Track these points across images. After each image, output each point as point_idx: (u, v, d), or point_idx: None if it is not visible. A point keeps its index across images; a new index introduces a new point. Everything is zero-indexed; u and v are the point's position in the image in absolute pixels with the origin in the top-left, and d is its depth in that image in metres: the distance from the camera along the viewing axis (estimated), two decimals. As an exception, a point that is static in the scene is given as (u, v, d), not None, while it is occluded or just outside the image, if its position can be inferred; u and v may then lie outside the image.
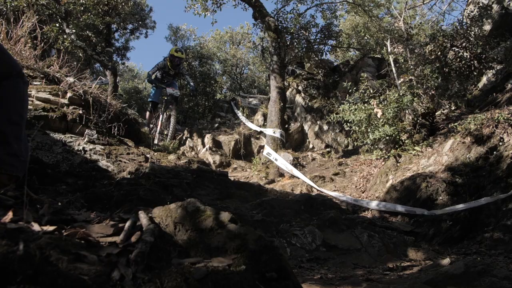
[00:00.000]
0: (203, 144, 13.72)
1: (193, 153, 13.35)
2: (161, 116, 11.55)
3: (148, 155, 6.13)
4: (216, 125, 17.07)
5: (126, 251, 1.28)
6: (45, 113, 5.81)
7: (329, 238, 4.56)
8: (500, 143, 5.89)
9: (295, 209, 5.09)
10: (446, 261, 3.42)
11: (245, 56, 29.00)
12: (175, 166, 5.77)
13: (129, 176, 5.25)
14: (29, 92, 6.11)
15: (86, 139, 5.82)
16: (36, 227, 1.38)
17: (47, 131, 5.73)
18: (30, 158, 4.91)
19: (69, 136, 5.85)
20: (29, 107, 5.83)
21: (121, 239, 1.39)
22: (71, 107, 6.20)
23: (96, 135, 5.97)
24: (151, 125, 11.97)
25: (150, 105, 12.01)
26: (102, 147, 5.86)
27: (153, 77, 11.71)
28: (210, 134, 13.87)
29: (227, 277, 1.20)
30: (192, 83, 12.33)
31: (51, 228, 1.37)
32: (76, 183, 5.14)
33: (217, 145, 13.27)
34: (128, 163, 5.70)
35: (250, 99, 20.91)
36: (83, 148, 5.71)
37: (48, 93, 6.22)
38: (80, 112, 6.11)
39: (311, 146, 13.49)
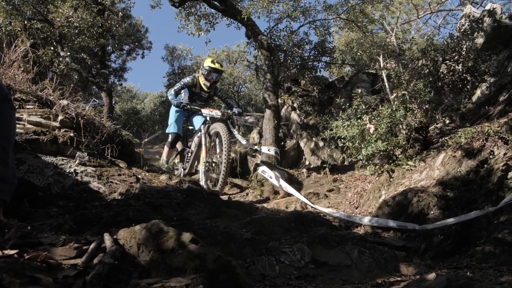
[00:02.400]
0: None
1: (189, 172, 13.38)
2: (189, 153, 8.79)
3: (139, 176, 6.16)
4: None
5: (85, 273, 1.30)
6: (36, 137, 5.86)
7: (319, 255, 4.55)
8: (491, 156, 5.91)
9: (285, 227, 5.10)
10: (431, 275, 3.42)
11: (242, 74, 29.20)
12: (165, 186, 5.80)
13: (119, 197, 5.27)
14: (20, 116, 6.17)
15: (77, 161, 5.85)
16: (-4, 251, 1.40)
17: (39, 154, 5.77)
18: (21, 181, 4.95)
19: (60, 158, 5.88)
20: (20, 130, 5.88)
21: (82, 261, 1.40)
22: (62, 130, 6.26)
23: (88, 157, 6.00)
24: (179, 165, 9.30)
25: (170, 138, 9.01)
26: (94, 168, 5.88)
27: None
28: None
29: (184, 297, 1.22)
30: (236, 108, 9.01)
31: (12, 252, 1.39)
32: (67, 205, 5.16)
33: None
34: (120, 184, 5.73)
35: (247, 117, 21.00)
36: (75, 170, 5.73)
37: (39, 116, 6.28)
38: (72, 134, 6.16)
39: (307, 162, 13.53)
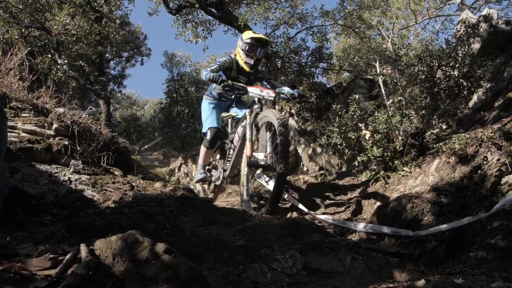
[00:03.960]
0: (198, 170, 13.75)
1: (188, 179, 13.39)
2: (231, 149, 6.92)
3: (134, 184, 6.18)
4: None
5: (57, 284, 1.31)
6: (31, 145, 5.89)
7: (312, 261, 4.54)
8: (484, 162, 5.92)
9: (278, 234, 5.09)
10: (421, 282, 3.42)
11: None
12: (159, 194, 5.81)
13: (113, 205, 5.28)
14: (15, 125, 6.20)
15: (71, 169, 5.88)
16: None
17: (33, 163, 5.79)
18: (15, 190, 4.97)
19: (54, 167, 5.91)
20: (15, 139, 5.91)
21: (56, 272, 1.42)
22: (57, 138, 6.30)
23: (82, 165, 6.02)
24: (211, 173, 7.51)
25: (208, 135, 6.94)
26: (88, 176, 5.91)
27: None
28: (204, 160, 13.87)
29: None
30: (295, 90, 6.81)
31: (-15, 263, 1.40)
32: (61, 213, 5.17)
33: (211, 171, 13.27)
34: (114, 192, 5.74)
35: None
36: (69, 178, 5.76)
37: (34, 124, 6.31)
38: (66, 142, 6.19)
39: (305, 169, 13.51)
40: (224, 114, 7.33)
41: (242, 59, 6.61)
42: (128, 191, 5.79)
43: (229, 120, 7.27)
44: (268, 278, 4.15)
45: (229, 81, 6.25)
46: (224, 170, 7.03)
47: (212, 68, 6.49)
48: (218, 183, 7.35)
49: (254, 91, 6.21)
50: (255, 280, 3.87)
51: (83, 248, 1.57)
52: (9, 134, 6.00)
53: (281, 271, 4.28)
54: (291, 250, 4.53)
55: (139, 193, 5.60)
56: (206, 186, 9.97)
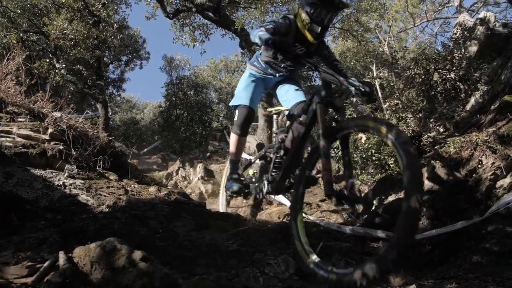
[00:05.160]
0: (196, 174, 13.77)
1: (185, 182, 13.40)
2: (280, 149, 4.88)
3: (128, 188, 6.17)
4: (208, 154, 17.14)
5: (32, 292, 1.31)
6: (25, 150, 5.88)
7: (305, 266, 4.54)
8: (479, 166, 5.91)
9: (272, 238, 5.09)
10: (412, 287, 3.43)
11: (240, 83, 29.25)
12: (153, 198, 5.81)
13: (107, 209, 5.27)
14: (10, 129, 6.20)
15: (66, 174, 5.87)
16: None
17: (28, 168, 5.78)
18: (9, 195, 4.97)
19: (49, 171, 5.90)
20: (10, 144, 5.90)
21: (32, 280, 1.41)
22: (52, 143, 6.28)
23: (76, 169, 6.01)
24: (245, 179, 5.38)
25: (237, 115, 5.00)
26: (82, 181, 5.90)
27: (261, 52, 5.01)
28: (202, 164, 13.91)
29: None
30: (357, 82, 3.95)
31: (-39, 272, 1.40)
32: (55, 218, 5.16)
33: (209, 174, 13.29)
34: (108, 197, 5.73)
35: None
36: (63, 183, 5.75)
37: (29, 129, 6.31)
38: (61, 147, 6.18)
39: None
40: (270, 109, 5.55)
41: (305, 24, 4.49)
42: (122, 196, 5.78)
43: (275, 116, 5.30)
44: (260, 283, 4.15)
45: (297, 50, 4.61)
46: (271, 181, 4.87)
47: (267, 27, 4.47)
48: (259, 196, 5.11)
49: (329, 76, 3.92)
50: (247, 285, 3.87)
51: (61, 256, 1.57)
52: (4, 139, 6.01)
53: (273, 275, 4.28)
54: (284, 255, 4.53)
55: (133, 197, 5.60)
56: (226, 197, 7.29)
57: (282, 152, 4.86)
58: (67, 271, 1.43)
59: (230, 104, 5.18)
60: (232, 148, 5.07)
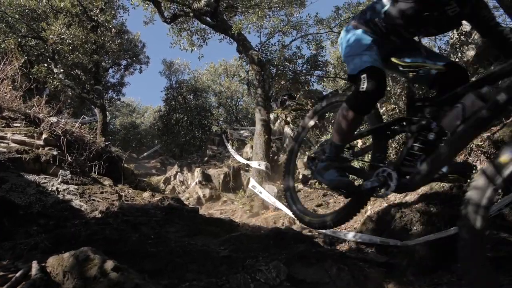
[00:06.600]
0: (194, 178, 13.75)
1: (183, 187, 13.38)
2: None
3: (122, 193, 6.16)
4: (206, 158, 17.14)
5: (1, 303, 1.30)
6: (19, 155, 5.87)
7: (297, 272, 4.53)
8: (474, 171, 5.89)
9: (264, 244, 5.08)
10: (401, 294, 3.42)
11: (239, 88, 29.30)
12: (146, 204, 5.80)
13: (100, 215, 5.27)
14: (4, 135, 6.20)
15: (59, 179, 5.86)
16: None
17: (22, 173, 5.78)
18: (2, 200, 4.97)
19: (43, 177, 5.90)
20: (3, 149, 5.90)
21: (2, 291, 1.41)
22: (46, 148, 6.28)
23: (70, 175, 6.01)
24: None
25: (365, 82, 3.13)
26: (76, 187, 5.89)
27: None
28: (199, 168, 13.90)
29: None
30: None
31: None
32: (48, 223, 5.16)
33: (207, 179, 13.27)
34: (102, 202, 5.73)
35: (242, 131, 21.02)
36: (57, 188, 5.74)
37: (23, 135, 6.31)
38: (55, 153, 6.17)
39: (300, 176, 13.49)
40: (408, 60, 3.39)
41: None
42: (115, 201, 5.78)
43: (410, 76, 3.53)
44: (251, 289, 4.14)
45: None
46: (401, 174, 3.33)
47: None
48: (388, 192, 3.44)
49: None
50: (238, 292, 3.86)
51: (34, 265, 1.57)
52: (-2, 144, 6.02)
53: (264, 282, 4.26)
54: (275, 261, 4.51)
55: (126, 203, 5.60)
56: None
57: (433, 135, 3.16)
58: (37, 281, 1.42)
59: (349, 72, 3.51)
60: (337, 127, 3.60)
